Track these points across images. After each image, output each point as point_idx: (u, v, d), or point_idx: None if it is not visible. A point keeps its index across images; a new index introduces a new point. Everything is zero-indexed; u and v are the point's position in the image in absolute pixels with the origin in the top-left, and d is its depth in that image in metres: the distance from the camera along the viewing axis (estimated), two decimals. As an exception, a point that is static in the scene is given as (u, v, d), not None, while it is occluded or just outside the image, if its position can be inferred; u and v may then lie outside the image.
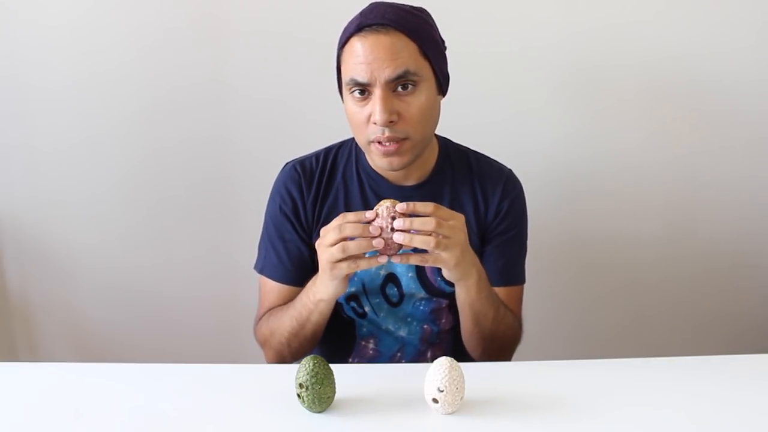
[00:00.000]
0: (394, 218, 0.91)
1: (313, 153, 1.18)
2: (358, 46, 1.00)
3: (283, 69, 1.57)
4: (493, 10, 1.53)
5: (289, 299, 1.11)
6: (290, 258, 1.14)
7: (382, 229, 0.91)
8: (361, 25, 1.00)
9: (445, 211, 0.94)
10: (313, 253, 1.01)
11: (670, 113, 1.61)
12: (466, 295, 1.03)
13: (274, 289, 1.15)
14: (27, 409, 0.89)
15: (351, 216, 0.94)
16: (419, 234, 0.91)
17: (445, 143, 1.18)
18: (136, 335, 1.76)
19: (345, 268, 0.94)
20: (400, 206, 0.92)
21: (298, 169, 1.15)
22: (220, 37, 1.55)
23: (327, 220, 1.09)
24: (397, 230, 0.91)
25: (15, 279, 1.73)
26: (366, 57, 0.99)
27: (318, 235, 1.01)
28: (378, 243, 0.91)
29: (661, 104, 1.60)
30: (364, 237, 0.91)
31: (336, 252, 0.92)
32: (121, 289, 1.73)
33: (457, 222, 0.95)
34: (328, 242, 0.93)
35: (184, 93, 1.59)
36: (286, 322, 1.07)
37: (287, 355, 1.11)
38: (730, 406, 0.89)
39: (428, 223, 0.91)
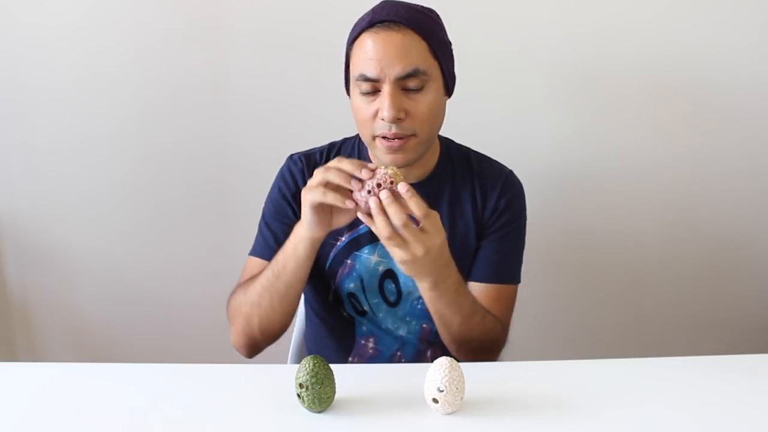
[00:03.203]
0: (382, 184, 0.90)
1: (317, 148, 1.19)
2: (369, 42, 1.00)
3: (284, 69, 1.57)
4: (493, 10, 1.53)
5: None
6: (286, 238, 1.11)
7: (369, 190, 0.90)
8: (373, 21, 1.00)
9: (430, 223, 0.92)
10: None
11: (670, 112, 1.61)
12: (423, 293, 1.02)
13: (260, 265, 1.11)
14: (27, 409, 0.88)
15: (355, 160, 0.94)
16: (384, 215, 0.90)
17: (447, 143, 1.18)
18: (136, 335, 1.76)
19: (318, 193, 0.93)
20: (402, 186, 0.90)
21: (303, 159, 1.16)
22: (220, 37, 1.55)
23: None
24: (376, 195, 0.90)
25: (15, 279, 1.74)
26: (376, 53, 0.99)
27: None
28: (355, 185, 0.91)
29: (661, 103, 1.60)
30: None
31: (321, 173, 0.93)
32: (121, 289, 1.73)
33: (428, 238, 0.92)
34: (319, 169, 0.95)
35: (185, 93, 1.59)
36: (263, 276, 1.05)
37: (255, 323, 1.06)
38: (730, 406, 0.89)
39: (397, 218, 0.89)
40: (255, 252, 1.16)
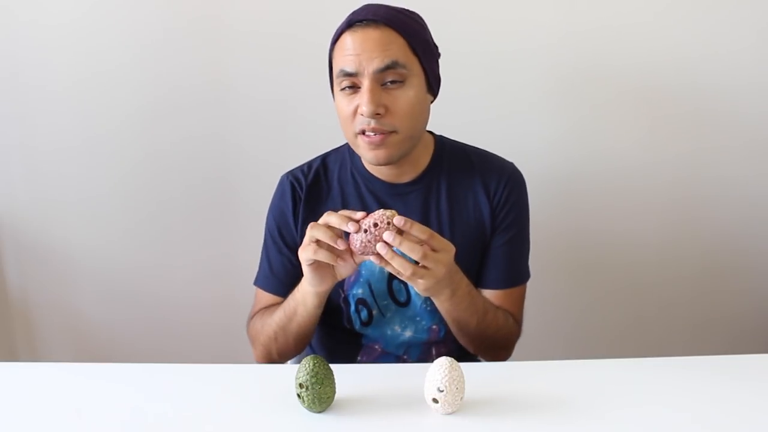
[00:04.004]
0: (379, 224, 0.91)
1: (306, 163, 1.19)
2: (348, 40, 1.02)
3: (284, 70, 1.57)
4: (489, 11, 1.53)
5: None
6: (285, 267, 1.15)
7: (366, 230, 0.91)
8: (351, 21, 1.03)
9: (438, 241, 0.94)
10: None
11: (667, 113, 1.61)
12: (440, 305, 1.05)
13: (268, 297, 1.17)
14: (27, 409, 0.89)
15: (344, 211, 0.95)
16: (398, 256, 0.91)
17: (440, 140, 1.18)
18: (136, 335, 1.76)
19: (310, 250, 0.94)
20: (397, 219, 0.90)
21: (292, 180, 1.16)
22: (220, 38, 1.55)
23: None
24: (384, 241, 0.90)
25: (15, 279, 1.73)
26: (355, 49, 1.01)
27: None
28: (341, 244, 0.92)
29: (657, 104, 1.60)
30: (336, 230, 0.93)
31: (310, 230, 0.94)
32: (121, 289, 1.73)
33: (444, 255, 0.94)
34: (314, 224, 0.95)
35: (184, 94, 1.59)
36: (277, 315, 1.09)
37: (274, 351, 1.12)
38: (730, 405, 0.89)
39: (416, 251, 0.91)
40: (259, 282, 1.18)
